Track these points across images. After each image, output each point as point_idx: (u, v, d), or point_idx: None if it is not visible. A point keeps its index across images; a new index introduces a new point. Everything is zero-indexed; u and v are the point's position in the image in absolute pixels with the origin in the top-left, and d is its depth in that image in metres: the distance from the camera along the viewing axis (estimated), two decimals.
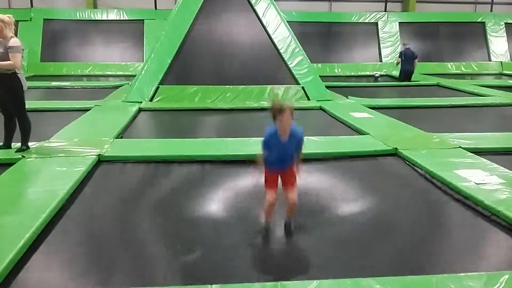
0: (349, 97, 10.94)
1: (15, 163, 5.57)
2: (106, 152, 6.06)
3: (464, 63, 18.74)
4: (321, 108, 9.76)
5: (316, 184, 5.26)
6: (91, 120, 8.32)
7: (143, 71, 10.72)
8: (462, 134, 7.07)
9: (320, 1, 20.73)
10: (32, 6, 18.43)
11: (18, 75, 5.84)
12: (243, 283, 3.10)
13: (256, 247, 3.78)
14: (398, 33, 18.75)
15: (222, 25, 11.12)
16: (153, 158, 6.02)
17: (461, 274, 3.21)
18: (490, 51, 19.03)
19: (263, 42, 11.02)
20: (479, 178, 5.01)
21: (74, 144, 6.40)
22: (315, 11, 19.64)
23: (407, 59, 15.01)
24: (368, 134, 7.19)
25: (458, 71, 18.33)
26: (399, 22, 18.94)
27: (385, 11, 19.96)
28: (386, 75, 17.06)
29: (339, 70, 17.81)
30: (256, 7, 11.12)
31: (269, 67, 10.88)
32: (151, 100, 10.25)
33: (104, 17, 17.95)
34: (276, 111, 3.54)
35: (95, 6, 19.48)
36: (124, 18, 17.98)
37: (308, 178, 5.24)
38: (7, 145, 6.11)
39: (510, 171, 5.28)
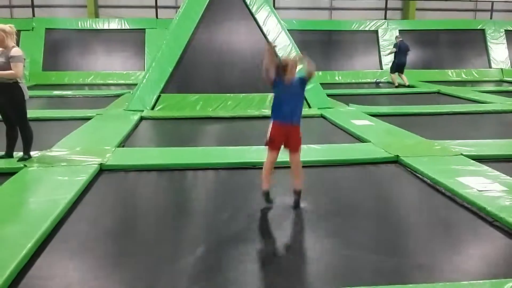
0: (350, 104, 10.95)
1: (17, 172, 5.56)
2: (108, 161, 6.06)
3: (464, 70, 18.76)
4: (322, 116, 9.77)
5: (318, 192, 5.26)
6: (92, 129, 8.33)
7: (145, 79, 10.75)
8: (464, 141, 7.07)
9: (321, 10, 20.82)
10: (34, 15, 18.51)
11: (20, 84, 5.85)
12: None
13: (261, 257, 3.76)
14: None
15: (223, 33, 11.16)
16: (154, 167, 6.03)
17: (464, 282, 3.20)
18: (491, 58, 19.05)
19: (263, 50, 11.00)
20: (481, 185, 5.00)
21: (75, 153, 6.41)
22: (316, 19, 19.70)
23: (401, 52, 15.16)
24: (370, 141, 7.19)
25: (459, 78, 18.33)
26: (399, 30, 18.95)
27: (385, 19, 20.02)
28: (387, 82, 17.08)
29: (340, 77, 17.82)
30: (256, 16, 11.15)
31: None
32: (152, 108, 10.27)
33: (106, 27, 18.00)
34: (283, 68, 3.69)
35: (96, 15, 19.57)
36: (126, 28, 18.03)
37: (309, 186, 5.25)
38: (9, 154, 6.11)
39: None
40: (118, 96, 12.98)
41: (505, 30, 19.41)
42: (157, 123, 9.45)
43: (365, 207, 4.84)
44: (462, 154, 6.33)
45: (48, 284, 3.28)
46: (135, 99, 10.42)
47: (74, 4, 19.77)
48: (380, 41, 18.65)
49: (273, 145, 3.92)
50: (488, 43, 19.21)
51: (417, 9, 21.04)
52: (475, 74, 18.68)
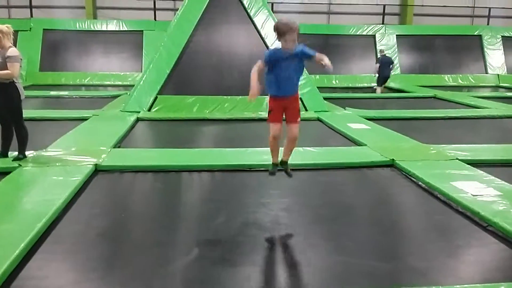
0: (346, 108, 10.96)
1: (11, 172, 5.54)
2: (103, 162, 6.05)
3: (461, 75, 18.84)
4: (318, 119, 9.78)
5: (313, 194, 5.26)
6: (88, 129, 8.32)
7: (142, 81, 10.74)
8: (459, 146, 7.08)
9: (319, 14, 20.88)
10: (31, 16, 18.50)
11: (16, 84, 5.84)
12: None
13: (255, 260, 3.76)
14: (396, 45, 18.85)
15: (221, 36, 11.17)
16: (150, 168, 6.02)
17: (458, 286, 3.20)
18: (487, 63, 19.13)
19: (261, 53, 10.99)
20: (475, 190, 5.01)
21: (71, 153, 6.39)
22: (314, 23, 19.74)
23: (384, 65, 15.23)
24: (366, 145, 7.20)
25: (455, 84, 18.42)
26: (396, 35, 19.05)
27: (383, 23, 20.08)
28: (384, 87, 17.10)
29: (337, 81, 17.88)
30: (254, 19, 11.17)
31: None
32: (149, 110, 10.26)
33: (104, 28, 18.02)
34: (283, 31, 3.49)
35: (94, 16, 19.58)
36: (124, 29, 18.05)
37: (305, 189, 5.25)
38: (4, 154, 6.09)
39: (507, 183, 5.28)
40: (115, 97, 12.97)
41: (501, 36, 19.51)
42: (153, 124, 9.44)
43: (360, 211, 4.84)
44: (457, 159, 6.34)
45: (41, 285, 3.26)
46: (132, 100, 10.42)
47: (72, 5, 19.78)
48: (377, 45, 18.70)
49: (273, 117, 3.72)
50: (485, 49, 19.29)
51: (414, 15, 21.14)
52: (472, 80, 18.76)
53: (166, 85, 10.59)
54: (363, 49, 18.73)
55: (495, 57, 19.24)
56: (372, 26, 19.21)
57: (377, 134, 8.10)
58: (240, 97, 10.56)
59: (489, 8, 21.15)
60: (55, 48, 17.56)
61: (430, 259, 3.70)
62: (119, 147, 7.17)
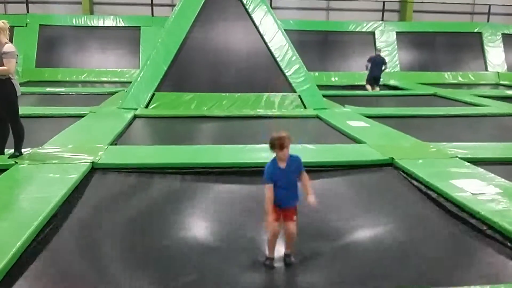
0: (345, 105, 10.92)
1: (7, 169, 5.50)
2: (100, 159, 5.99)
3: (461, 73, 18.79)
4: (317, 117, 9.73)
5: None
6: (85, 126, 8.26)
7: (139, 77, 10.68)
8: (459, 144, 7.04)
9: (318, 10, 20.81)
10: (28, 12, 18.41)
11: (12, 80, 5.80)
12: None
13: (252, 260, 3.71)
14: (395, 42, 18.79)
15: (219, 33, 11.11)
16: (147, 166, 5.96)
17: (457, 287, 3.16)
18: (487, 61, 19.10)
19: (260, 50, 11.00)
20: (475, 188, 4.97)
21: (67, 150, 6.34)
22: (313, 20, 19.69)
23: (374, 65, 15.19)
24: (365, 143, 7.15)
25: (455, 81, 18.37)
26: (396, 32, 18.99)
27: (382, 20, 20.02)
28: (383, 85, 17.07)
29: (336, 78, 17.82)
30: (253, 15, 11.11)
31: (266, 75, 10.85)
32: (146, 107, 10.20)
33: (101, 24, 17.93)
34: (276, 146, 3.47)
35: (91, 12, 19.49)
36: (121, 25, 17.97)
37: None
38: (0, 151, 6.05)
39: (507, 181, 5.24)
40: (112, 94, 12.91)
41: (502, 34, 19.47)
42: (151, 121, 9.39)
43: (358, 209, 4.80)
44: (457, 157, 6.30)
45: (37, 283, 3.24)
46: (129, 97, 10.36)
47: (68, 0, 19.69)
48: (377, 42, 18.65)
49: (271, 218, 3.70)
50: (485, 46, 19.26)
51: (414, 11, 21.07)
52: (472, 77, 18.72)
53: (163, 82, 10.53)
54: (363, 46, 18.64)
55: (495, 54, 19.20)
56: (372, 22, 19.16)
57: (376, 132, 8.06)
58: (238, 94, 10.51)
59: (489, 5, 21.10)
60: (52, 44, 17.48)
61: (430, 259, 3.67)
62: (116, 144, 7.11)
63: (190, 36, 10.85)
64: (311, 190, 3.65)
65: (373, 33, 18.88)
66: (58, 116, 9.33)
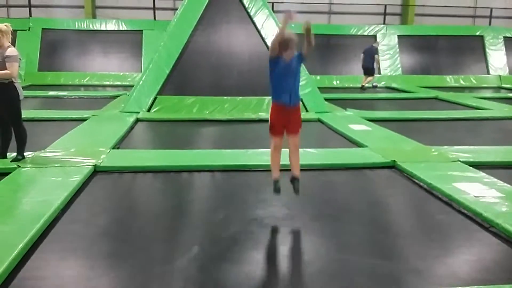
0: (347, 109, 10.91)
1: (10, 172, 5.51)
2: (102, 163, 6.01)
3: (462, 76, 18.77)
4: (319, 120, 9.73)
5: (314, 196, 5.22)
6: (87, 130, 8.28)
7: (141, 81, 10.70)
8: (461, 148, 7.04)
9: (319, 14, 20.82)
10: (30, 15, 18.45)
11: (15, 84, 5.82)
12: None
13: (255, 260, 3.71)
14: (397, 46, 18.79)
15: (221, 36, 11.12)
16: (150, 169, 5.98)
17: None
18: (489, 64, 19.07)
19: (261, 53, 10.99)
20: (477, 192, 4.97)
21: (70, 154, 6.36)
22: (314, 23, 19.64)
23: (367, 56, 15.56)
24: (367, 146, 7.15)
25: (457, 84, 18.34)
26: (397, 35, 18.98)
27: (384, 23, 20.02)
28: (385, 87, 17.09)
29: (338, 82, 17.81)
30: (255, 19, 11.13)
31: (268, 79, 10.82)
32: (148, 110, 10.22)
33: (103, 27, 17.95)
34: (284, 48, 3.70)
35: (94, 16, 19.53)
36: (123, 29, 17.98)
37: (305, 190, 5.20)
38: (2, 155, 6.05)
39: (509, 185, 5.24)
40: (114, 97, 12.93)
41: (503, 37, 19.45)
42: (153, 125, 9.40)
43: (361, 212, 4.80)
44: (459, 161, 6.30)
45: (40, 285, 3.24)
46: (131, 101, 10.37)
47: (71, 4, 19.73)
48: (378, 46, 18.62)
49: (275, 130, 3.80)
50: (487, 50, 19.24)
51: (416, 15, 21.08)
52: (473, 80, 18.70)
53: (165, 85, 10.54)
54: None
55: (497, 57, 19.18)
56: (373, 26, 19.16)
57: (378, 135, 8.06)
58: (240, 97, 10.52)
59: (491, 9, 21.09)
60: (54, 48, 17.50)
61: (432, 260, 3.67)
62: (118, 148, 7.12)
63: (192, 40, 10.87)
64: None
65: (374, 37, 18.86)
66: (61, 119, 9.35)
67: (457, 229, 4.35)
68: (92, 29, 17.86)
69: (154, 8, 19.15)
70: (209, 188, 5.45)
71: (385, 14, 20.67)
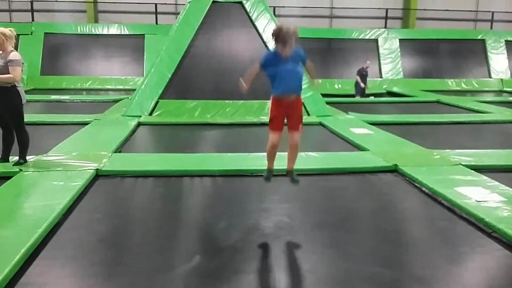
0: (349, 113, 10.92)
1: (12, 176, 5.52)
2: (104, 167, 6.01)
3: (464, 80, 18.79)
4: (321, 124, 9.73)
5: (315, 200, 5.22)
6: (89, 134, 8.29)
7: (143, 85, 10.72)
8: (463, 151, 7.03)
9: (321, 18, 20.86)
10: (33, 20, 18.52)
11: (18, 88, 5.83)
12: None
13: (256, 267, 3.71)
14: (399, 49, 18.81)
15: (223, 40, 11.15)
16: (151, 173, 5.98)
17: None
18: (491, 68, 19.09)
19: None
20: (479, 196, 4.96)
21: (72, 158, 6.36)
22: (316, 27, 19.72)
23: (363, 77, 15.28)
24: (368, 150, 7.15)
25: (459, 88, 18.36)
26: (399, 39, 19.02)
27: (385, 27, 20.04)
28: (387, 92, 17.08)
29: (340, 86, 17.82)
30: (256, 23, 11.15)
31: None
32: (150, 114, 10.24)
33: (105, 32, 18.03)
34: (283, 40, 3.53)
35: (96, 20, 19.59)
36: (125, 33, 18.06)
37: (307, 194, 5.21)
38: (4, 159, 6.06)
39: (511, 189, 5.22)
40: (116, 101, 12.96)
41: (505, 41, 19.49)
42: (155, 129, 9.41)
43: (363, 217, 4.79)
44: (461, 164, 6.29)
45: None
46: (133, 105, 10.39)
47: (73, 9, 19.79)
48: (380, 49, 18.68)
49: (274, 125, 3.69)
50: (488, 53, 19.26)
51: (417, 18, 21.11)
52: (475, 84, 18.72)
53: (167, 89, 10.56)
54: (366, 53, 18.66)
55: (498, 61, 19.20)
56: (375, 30, 19.19)
57: (380, 139, 8.06)
58: (242, 101, 10.53)
59: (493, 12, 21.11)
60: (57, 52, 17.58)
61: (434, 266, 3.65)
62: (120, 151, 7.13)
63: (193, 44, 10.90)
64: (316, 74, 3.70)
65: (376, 40, 18.92)
66: (63, 123, 9.37)
67: (459, 234, 4.33)
68: (94, 33, 17.93)
69: (156, 13, 19.21)
70: (210, 193, 5.44)
71: (386, 18, 20.69)
